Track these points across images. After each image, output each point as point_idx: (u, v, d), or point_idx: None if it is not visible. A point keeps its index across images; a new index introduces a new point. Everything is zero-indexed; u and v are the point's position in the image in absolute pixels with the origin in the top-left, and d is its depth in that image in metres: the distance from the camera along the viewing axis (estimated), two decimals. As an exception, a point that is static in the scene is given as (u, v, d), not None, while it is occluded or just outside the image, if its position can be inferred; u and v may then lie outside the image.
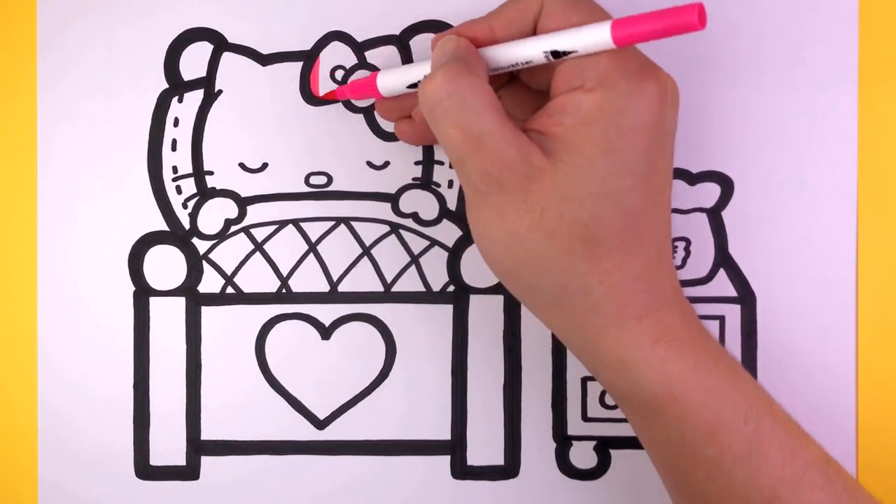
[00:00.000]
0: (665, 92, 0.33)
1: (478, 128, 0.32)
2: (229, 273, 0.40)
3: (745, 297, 0.40)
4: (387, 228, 0.40)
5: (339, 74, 0.40)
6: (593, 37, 0.32)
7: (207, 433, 0.40)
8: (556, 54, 0.33)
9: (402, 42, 0.40)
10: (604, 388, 0.35)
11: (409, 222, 0.40)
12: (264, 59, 0.40)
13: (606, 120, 0.32)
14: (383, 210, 0.40)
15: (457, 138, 0.32)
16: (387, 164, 0.40)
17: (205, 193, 0.40)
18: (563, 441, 0.40)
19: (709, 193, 0.40)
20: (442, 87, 0.32)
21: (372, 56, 0.40)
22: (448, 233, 0.40)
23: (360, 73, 0.40)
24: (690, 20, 0.29)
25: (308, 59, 0.40)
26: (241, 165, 0.40)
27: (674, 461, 0.34)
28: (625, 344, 0.33)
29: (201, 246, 0.40)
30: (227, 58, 0.40)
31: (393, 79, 0.37)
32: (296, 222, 0.40)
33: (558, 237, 0.32)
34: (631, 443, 0.40)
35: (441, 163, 0.40)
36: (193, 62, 0.40)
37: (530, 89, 0.36)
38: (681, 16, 0.29)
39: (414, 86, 0.36)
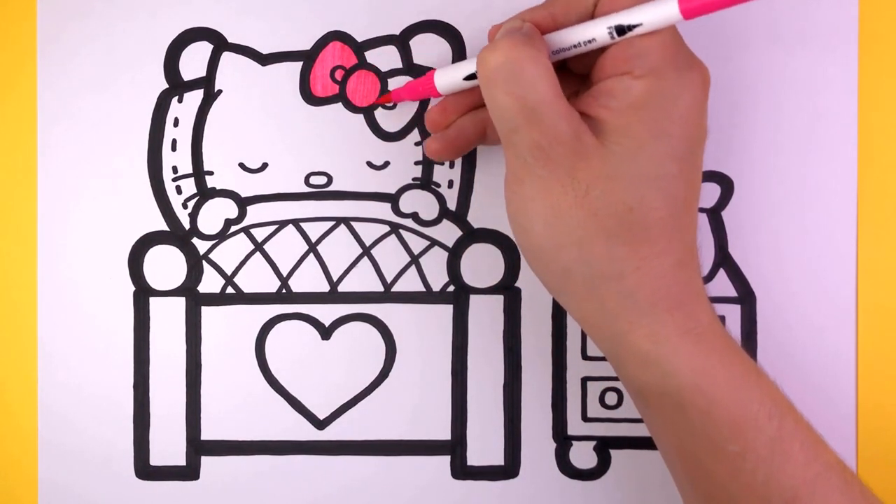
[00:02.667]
0: (707, 84, 0.33)
1: (533, 98, 0.32)
2: (229, 273, 0.40)
3: (745, 297, 0.40)
4: (387, 228, 0.40)
5: (339, 75, 0.40)
6: (661, 10, 0.32)
7: (207, 433, 0.40)
8: (621, 30, 0.33)
9: (402, 42, 0.40)
10: (622, 382, 0.35)
11: (409, 222, 0.40)
12: (264, 59, 0.40)
13: (657, 106, 0.32)
14: (383, 210, 0.40)
15: (511, 107, 0.32)
16: (387, 164, 0.40)
17: (205, 193, 0.40)
18: (563, 441, 0.40)
19: (709, 193, 0.40)
20: (502, 54, 0.32)
21: (372, 56, 0.40)
22: (448, 233, 0.40)
23: (361, 74, 0.40)
24: None
25: (308, 59, 0.40)
26: (241, 165, 0.40)
27: (695, 458, 0.33)
28: (655, 334, 0.33)
29: (201, 246, 0.40)
30: (227, 58, 0.40)
31: (450, 73, 0.37)
32: (296, 222, 0.40)
33: (601, 217, 0.32)
34: (631, 443, 0.40)
35: (441, 163, 0.40)
36: (193, 62, 0.40)
37: (568, 77, 0.36)
38: None
39: (470, 77, 0.36)
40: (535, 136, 0.32)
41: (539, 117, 0.32)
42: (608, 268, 0.32)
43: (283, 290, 0.40)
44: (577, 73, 0.36)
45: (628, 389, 0.35)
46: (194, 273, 0.40)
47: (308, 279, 0.40)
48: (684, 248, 0.33)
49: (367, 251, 0.40)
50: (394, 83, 0.40)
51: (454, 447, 0.40)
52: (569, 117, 0.32)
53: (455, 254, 0.40)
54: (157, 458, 0.40)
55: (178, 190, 0.40)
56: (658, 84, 0.32)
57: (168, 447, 0.40)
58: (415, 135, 0.40)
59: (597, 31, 0.33)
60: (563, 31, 0.34)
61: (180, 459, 0.40)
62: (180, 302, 0.40)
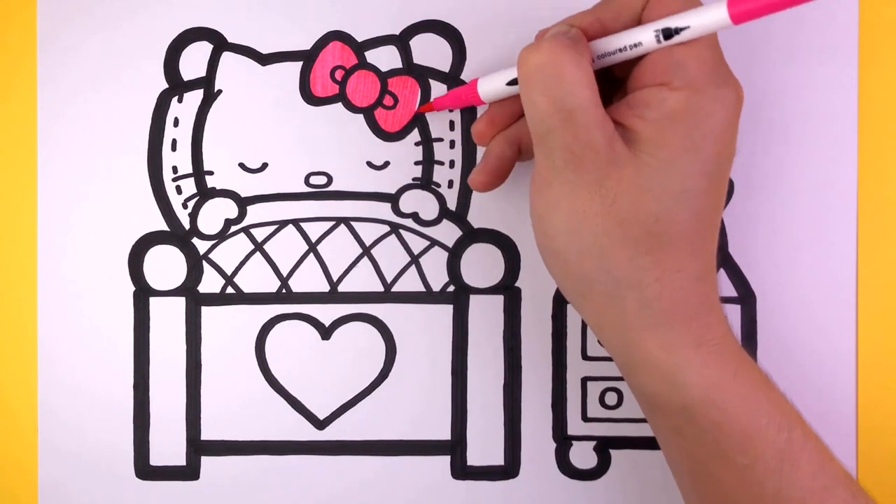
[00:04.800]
0: (741, 102, 0.33)
1: (571, 103, 0.32)
2: (229, 273, 0.40)
3: (745, 297, 0.40)
4: (387, 228, 0.40)
5: (339, 75, 0.40)
6: (710, 14, 0.31)
7: (207, 433, 0.40)
8: (668, 34, 0.32)
9: (402, 42, 0.40)
10: (631, 390, 0.35)
11: (409, 222, 0.40)
12: (264, 59, 0.40)
13: (692, 120, 0.32)
14: (383, 210, 0.40)
15: (548, 108, 0.32)
16: (387, 164, 0.40)
17: (205, 193, 0.40)
18: (563, 441, 0.40)
19: (709, 193, 0.40)
20: (544, 54, 0.32)
21: (372, 56, 0.40)
22: (448, 233, 0.40)
23: (361, 74, 0.40)
24: None
25: (308, 59, 0.40)
26: (241, 165, 0.40)
27: (704, 468, 0.33)
28: (669, 345, 0.33)
29: (201, 246, 0.40)
30: (227, 58, 0.40)
31: (493, 80, 0.37)
32: (296, 222, 0.40)
33: (627, 226, 0.32)
34: (631, 443, 0.40)
35: (441, 163, 0.40)
36: (193, 62, 0.40)
37: (605, 83, 0.36)
38: None
39: (513, 83, 0.36)
40: (569, 141, 0.32)
41: (574, 122, 0.32)
42: (629, 277, 0.32)
43: (283, 290, 0.40)
44: (617, 77, 0.36)
45: (637, 397, 0.35)
46: (194, 273, 0.40)
47: (308, 279, 0.40)
48: (705, 261, 0.33)
49: (367, 251, 0.40)
50: (394, 83, 0.40)
51: (454, 447, 0.40)
52: (604, 125, 0.32)
53: (455, 254, 0.40)
54: (157, 458, 0.40)
55: (178, 190, 0.40)
56: (694, 98, 0.32)
57: (168, 447, 0.40)
58: (415, 135, 0.40)
59: (643, 35, 0.33)
60: (609, 36, 0.34)
61: (180, 459, 0.40)
62: (180, 302, 0.40)
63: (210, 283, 0.40)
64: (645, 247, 0.32)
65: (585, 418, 0.40)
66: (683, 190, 0.32)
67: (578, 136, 0.32)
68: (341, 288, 0.40)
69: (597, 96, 0.32)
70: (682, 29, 0.32)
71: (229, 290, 0.40)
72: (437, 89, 0.40)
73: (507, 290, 0.40)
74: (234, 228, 0.40)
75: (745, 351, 0.34)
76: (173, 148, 0.40)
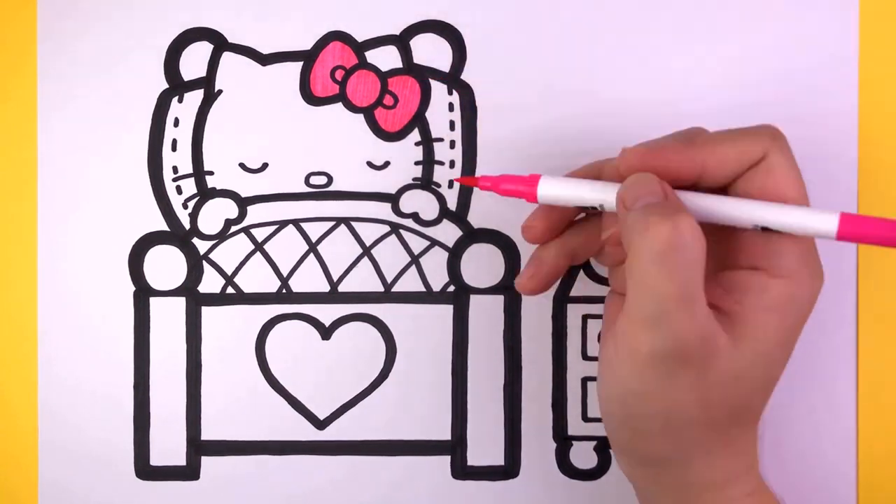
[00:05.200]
0: (815, 299, 0.33)
1: (692, 290, 0.30)
2: (229, 273, 0.40)
3: (745, 298, 0.40)
4: (387, 228, 0.40)
5: (339, 75, 0.40)
6: (819, 224, 0.31)
7: (207, 433, 0.40)
8: (766, 227, 0.31)
9: (402, 42, 0.40)
10: None
11: (410, 222, 0.40)
12: (264, 59, 0.40)
13: (789, 310, 0.31)
14: (383, 210, 0.40)
15: (674, 293, 0.30)
16: (387, 164, 0.40)
17: (205, 193, 0.40)
18: (563, 441, 0.40)
19: (709, 193, 0.40)
20: (688, 236, 0.29)
21: (372, 56, 0.40)
22: (448, 233, 0.40)
23: (361, 73, 0.40)
24: None
25: (308, 59, 0.40)
26: (241, 165, 0.40)
27: None
28: (727, 497, 0.33)
29: (201, 246, 0.40)
30: (227, 58, 0.40)
31: (560, 191, 0.34)
32: (296, 222, 0.40)
33: (714, 411, 0.32)
34: (631, 443, 0.40)
35: (441, 163, 0.40)
36: (193, 62, 0.40)
37: None
38: None
39: (592, 210, 0.34)
40: (684, 328, 0.30)
41: (694, 311, 0.30)
42: (696, 451, 0.33)
43: (284, 290, 0.40)
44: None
45: None
46: (194, 273, 0.40)
47: (308, 279, 0.40)
48: (754, 426, 0.34)
49: (367, 251, 0.40)
50: (394, 83, 0.40)
51: (454, 447, 0.40)
52: (709, 315, 0.30)
53: (455, 254, 0.40)
54: (157, 458, 0.40)
55: (179, 190, 0.40)
56: (794, 289, 0.31)
57: (168, 447, 0.40)
58: (415, 135, 0.40)
59: (742, 219, 0.31)
60: (711, 202, 0.32)
61: (180, 459, 0.40)
62: (180, 302, 0.40)
63: (210, 283, 0.40)
64: (724, 426, 0.32)
65: (586, 418, 0.40)
66: (771, 378, 0.33)
67: (691, 325, 0.30)
68: (341, 288, 0.40)
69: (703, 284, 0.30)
70: (780, 229, 0.31)
71: (229, 290, 0.40)
72: (438, 89, 0.40)
73: (508, 290, 0.40)
74: (234, 228, 0.40)
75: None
76: (173, 148, 0.40)
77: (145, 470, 0.40)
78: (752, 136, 0.32)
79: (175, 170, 0.40)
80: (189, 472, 0.40)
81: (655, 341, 0.30)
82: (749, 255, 0.32)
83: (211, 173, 0.40)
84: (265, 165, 0.40)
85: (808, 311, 0.32)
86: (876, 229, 0.30)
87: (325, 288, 0.40)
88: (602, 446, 0.40)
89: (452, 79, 0.40)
